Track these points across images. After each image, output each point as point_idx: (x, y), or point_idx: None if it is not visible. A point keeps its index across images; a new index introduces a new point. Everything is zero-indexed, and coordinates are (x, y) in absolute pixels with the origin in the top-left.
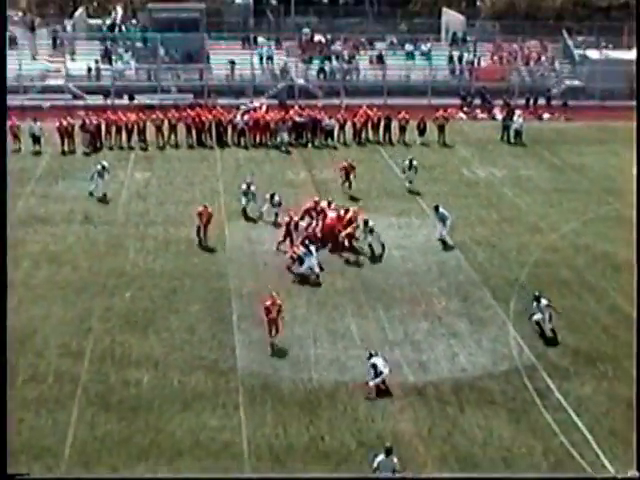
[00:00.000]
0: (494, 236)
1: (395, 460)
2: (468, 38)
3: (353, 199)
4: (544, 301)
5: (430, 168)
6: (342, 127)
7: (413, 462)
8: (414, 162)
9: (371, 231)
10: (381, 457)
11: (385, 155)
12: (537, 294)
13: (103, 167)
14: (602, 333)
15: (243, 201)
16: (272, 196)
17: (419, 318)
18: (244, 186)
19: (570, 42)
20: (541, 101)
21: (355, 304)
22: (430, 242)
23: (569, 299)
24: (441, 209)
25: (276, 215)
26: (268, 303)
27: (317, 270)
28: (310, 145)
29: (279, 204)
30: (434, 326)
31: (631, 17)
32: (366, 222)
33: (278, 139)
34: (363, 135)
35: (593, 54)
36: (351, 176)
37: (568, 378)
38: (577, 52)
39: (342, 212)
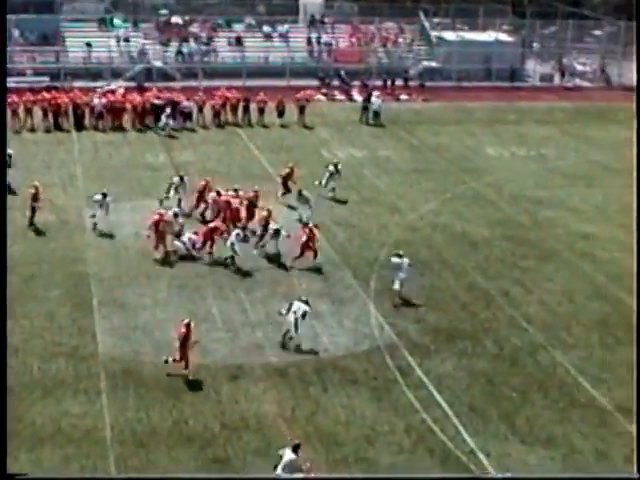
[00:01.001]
0: (354, 216)
1: (293, 456)
2: (326, 20)
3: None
4: (406, 260)
5: (289, 150)
6: (201, 109)
7: (276, 443)
8: (339, 166)
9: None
10: (288, 452)
11: (244, 137)
12: (399, 252)
13: (9, 156)
14: (461, 311)
15: (97, 213)
16: (181, 178)
17: (280, 299)
18: (98, 196)
19: (427, 24)
20: (399, 82)
21: (216, 286)
22: (289, 224)
23: (429, 277)
24: (304, 192)
25: (179, 201)
26: (183, 330)
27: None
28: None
29: (184, 188)
30: None
31: None
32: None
33: (161, 123)
34: (222, 117)
35: (449, 36)
36: (289, 182)
37: (429, 356)
38: (434, 34)
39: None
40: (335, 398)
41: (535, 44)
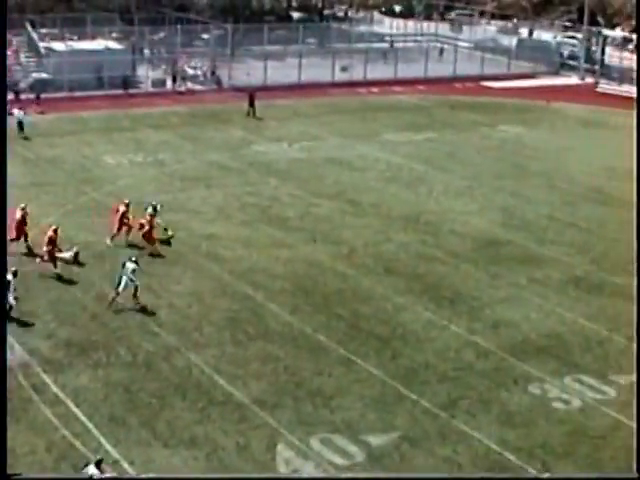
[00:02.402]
0: None
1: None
2: None
3: None
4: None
5: None
6: None
7: None
8: (158, 207)
9: None
10: (91, 468)
11: None
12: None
13: None
14: (92, 322)
15: None
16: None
17: None
18: None
19: (34, 35)
20: (10, 96)
21: None
22: None
23: (56, 292)
24: None
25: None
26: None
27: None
28: None
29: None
30: None
31: (93, 8)
32: None
33: None
34: None
35: (58, 46)
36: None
37: (63, 370)
38: (42, 45)
39: None
40: None
41: (146, 50)
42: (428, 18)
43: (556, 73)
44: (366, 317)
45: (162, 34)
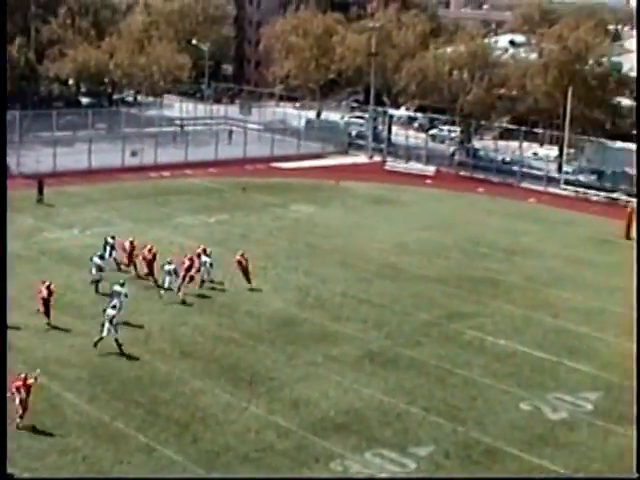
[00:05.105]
0: None
1: None
2: None
3: None
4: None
5: None
6: None
7: None
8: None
9: None
10: None
11: None
12: None
13: None
14: None
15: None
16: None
17: None
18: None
19: None
20: None
21: None
22: None
23: None
24: None
25: None
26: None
27: None
28: None
29: None
30: None
31: None
32: None
33: None
34: None
35: None
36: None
37: None
38: None
39: None
40: None
41: None
42: (218, 101)
43: (345, 152)
44: (165, 402)
45: None
